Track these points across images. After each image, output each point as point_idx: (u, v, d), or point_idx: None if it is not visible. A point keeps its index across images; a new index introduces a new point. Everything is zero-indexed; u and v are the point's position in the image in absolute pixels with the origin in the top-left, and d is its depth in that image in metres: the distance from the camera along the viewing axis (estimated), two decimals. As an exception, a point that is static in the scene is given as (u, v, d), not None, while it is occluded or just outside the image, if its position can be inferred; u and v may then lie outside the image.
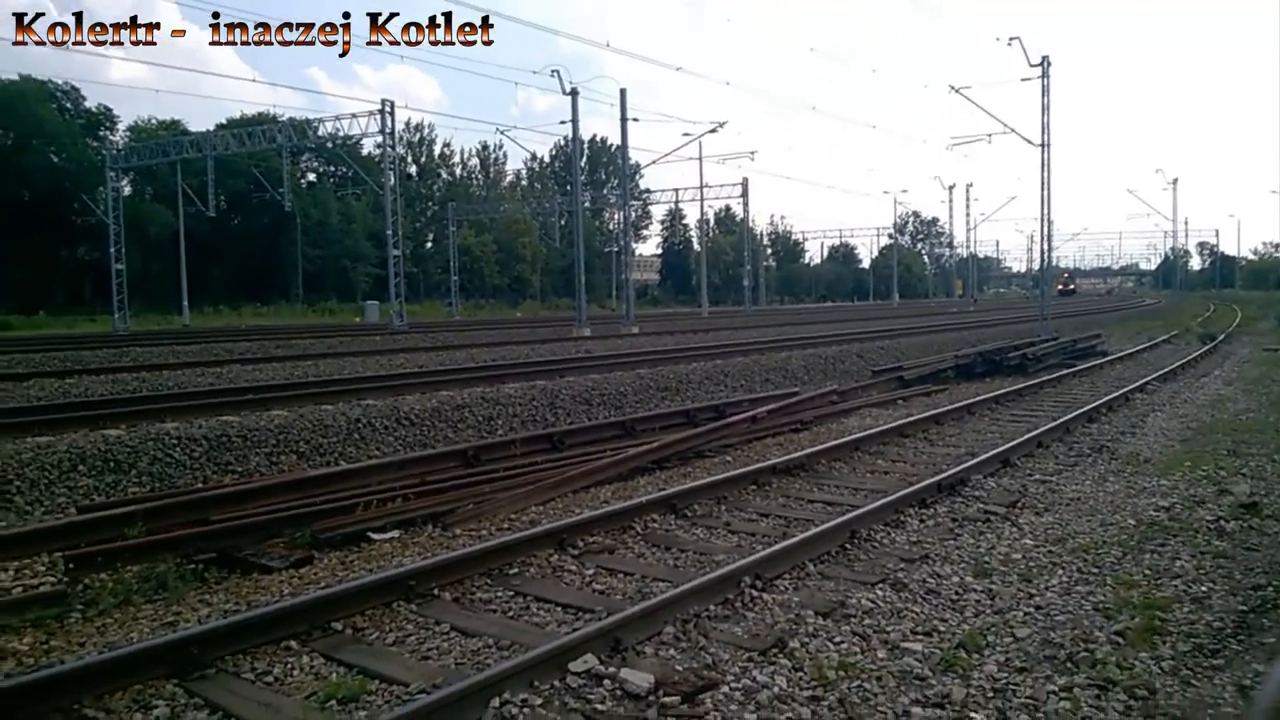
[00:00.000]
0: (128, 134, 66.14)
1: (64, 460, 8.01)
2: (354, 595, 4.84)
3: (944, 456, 9.28)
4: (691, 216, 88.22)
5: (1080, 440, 10.16)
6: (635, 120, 33.15)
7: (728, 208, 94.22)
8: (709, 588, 4.91)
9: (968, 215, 66.33)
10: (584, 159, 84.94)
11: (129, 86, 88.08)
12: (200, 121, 72.86)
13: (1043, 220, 29.95)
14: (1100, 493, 7.70)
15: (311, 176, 79.73)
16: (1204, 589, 5.22)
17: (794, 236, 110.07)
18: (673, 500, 7.02)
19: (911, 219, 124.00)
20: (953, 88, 28.87)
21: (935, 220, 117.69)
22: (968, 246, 71.78)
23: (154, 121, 66.40)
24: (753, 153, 59.14)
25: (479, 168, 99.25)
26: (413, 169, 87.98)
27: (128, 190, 54.93)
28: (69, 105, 64.83)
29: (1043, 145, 28.33)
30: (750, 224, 70.38)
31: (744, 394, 14.21)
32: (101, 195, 45.14)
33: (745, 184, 57.22)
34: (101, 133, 65.35)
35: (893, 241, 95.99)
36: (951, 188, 64.01)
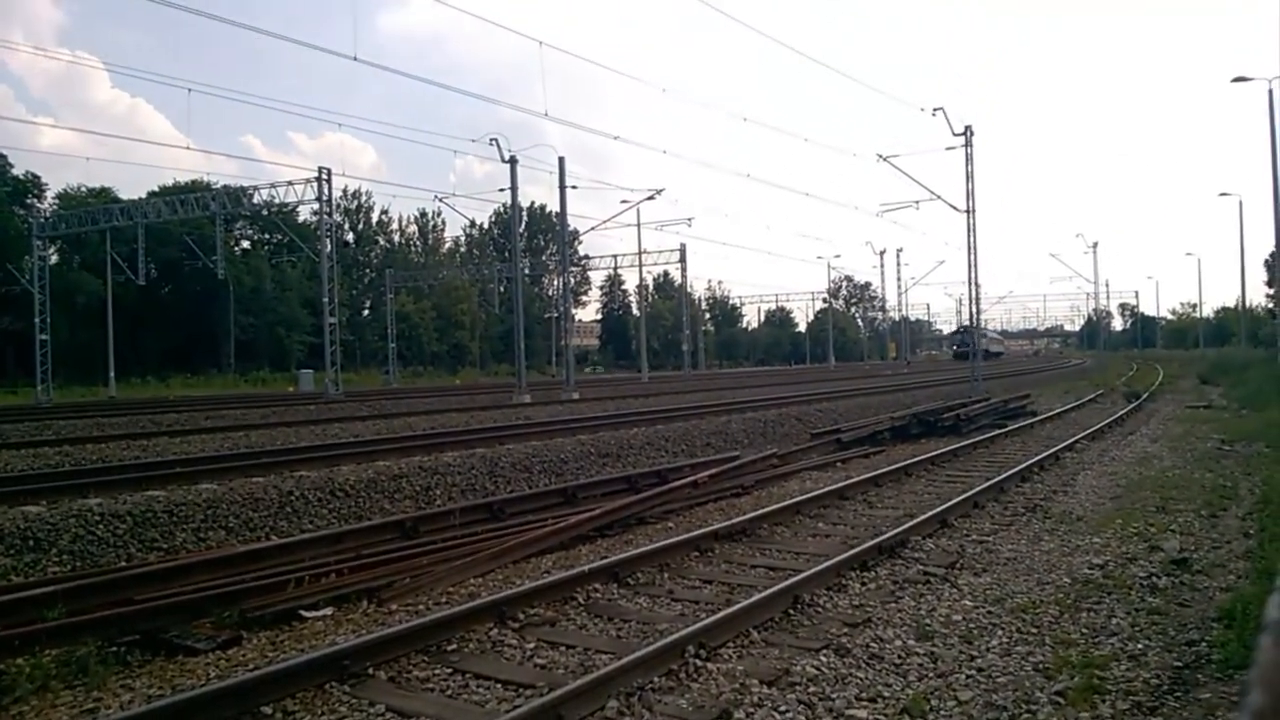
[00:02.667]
0: (56, 202, 64.85)
1: (-22, 540, 7.66)
2: (284, 677, 4.66)
3: (883, 518, 9.35)
4: (630, 282, 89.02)
5: (1014, 500, 10.33)
6: (574, 187, 33.45)
7: (666, 273, 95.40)
8: (653, 658, 4.84)
9: (899, 279, 68.04)
10: (523, 225, 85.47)
11: (59, 154, 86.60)
12: (132, 189, 71.59)
13: (970, 283, 30.89)
14: (1036, 552, 7.81)
15: (246, 244, 78.80)
16: (1140, 646, 5.30)
17: (731, 301, 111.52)
18: (615, 569, 6.94)
19: (845, 283, 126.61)
20: (881, 156, 29.81)
21: (868, 284, 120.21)
22: (900, 310, 73.66)
23: (84, 189, 65.17)
24: (690, 219, 60.45)
25: (417, 234, 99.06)
26: (350, 236, 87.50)
27: (55, 259, 53.65)
28: (-6, 174, 63.44)
29: (968, 211, 29.30)
30: (688, 289, 71.36)
31: (685, 459, 14.22)
32: (27, 264, 43.98)
33: (683, 250, 58.07)
34: (29, 200, 63.99)
35: (827, 305, 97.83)
36: (883, 253, 65.71)
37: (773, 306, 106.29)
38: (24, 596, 6.29)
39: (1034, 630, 5.64)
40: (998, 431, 17.73)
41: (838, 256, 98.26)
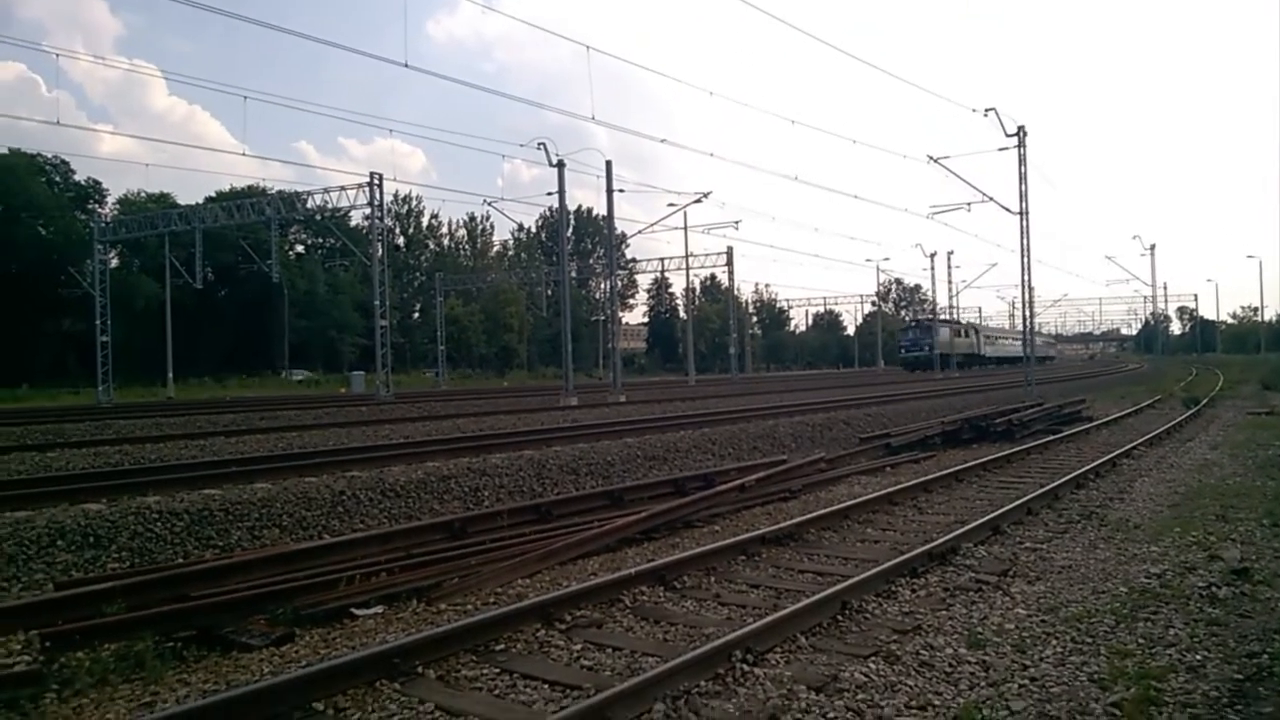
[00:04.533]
0: (117, 207, 66.72)
1: (43, 535, 7.88)
2: (336, 674, 4.72)
3: (934, 524, 9.23)
4: (677, 285, 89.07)
5: (1069, 507, 10.13)
6: (621, 191, 33.58)
7: (713, 276, 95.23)
8: (699, 663, 4.82)
9: (950, 282, 66.87)
10: (571, 229, 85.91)
11: (119, 160, 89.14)
12: (189, 194, 73.71)
13: (1024, 286, 30.36)
14: (1091, 560, 7.65)
15: (300, 248, 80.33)
16: (1199, 657, 5.16)
17: (779, 304, 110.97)
18: (662, 572, 6.93)
19: (894, 286, 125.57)
20: (931, 158, 29.49)
21: (918, 287, 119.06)
22: (951, 313, 72.46)
23: (143, 194, 66.98)
24: (737, 222, 59.98)
25: (466, 238, 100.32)
26: (401, 240, 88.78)
27: (115, 263, 55.15)
28: (58, 179, 65.45)
29: (1021, 213, 28.85)
30: (736, 292, 71.05)
31: (732, 462, 14.17)
32: (89, 268, 45.22)
33: (730, 253, 57.89)
34: (90, 206, 65.85)
35: (876, 309, 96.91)
36: (933, 255, 64.58)
37: (820, 309, 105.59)
38: (84, 592, 6.45)
39: (1089, 640, 5.52)
40: (1052, 437, 17.41)
41: (887, 259, 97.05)
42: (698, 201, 41.45)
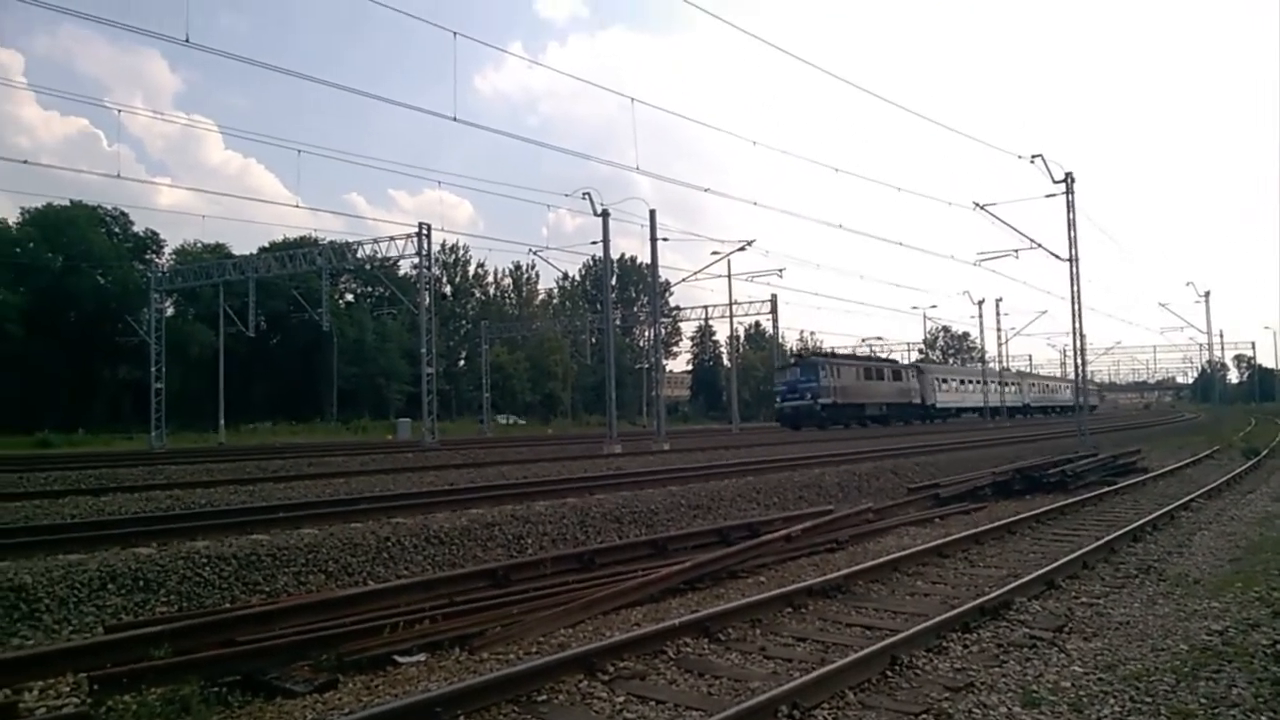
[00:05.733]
0: (173, 257, 68.65)
1: (94, 578, 7.98)
2: (376, 723, 4.69)
3: (985, 578, 9.01)
4: (721, 333, 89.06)
5: (1126, 560, 9.84)
6: (665, 239, 33.77)
7: (757, 324, 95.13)
8: (744, 718, 4.72)
9: (998, 330, 65.99)
10: (615, 277, 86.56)
11: (176, 212, 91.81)
12: (244, 245, 75.64)
13: (1075, 334, 29.85)
14: (1150, 616, 7.40)
15: (350, 296, 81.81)
16: (1264, 719, 4.94)
17: (825, 352, 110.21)
18: (706, 623, 6.83)
19: (942, 334, 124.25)
20: (977, 204, 29.23)
21: (966, 335, 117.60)
22: (999, 361, 71.30)
23: (199, 245, 68.86)
24: (781, 270, 59.97)
25: (512, 287, 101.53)
26: (448, 288, 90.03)
27: (171, 311, 56.62)
28: (118, 230, 67.62)
29: (1071, 260, 28.50)
30: (780, 340, 70.75)
31: (777, 512, 14.01)
32: (145, 316, 46.43)
33: (774, 300, 57.74)
34: (148, 256, 67.85)
35: (923, 356, 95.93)
36: (981, 303, 63.79)
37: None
38: (133, 635, 6.51)
39: (1148, 700, 5.31)
40: (1107, 489, 16.98)
41: (934, 306, 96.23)
42: (741, 250, 41.51)
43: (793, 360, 54.24)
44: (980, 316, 63.98)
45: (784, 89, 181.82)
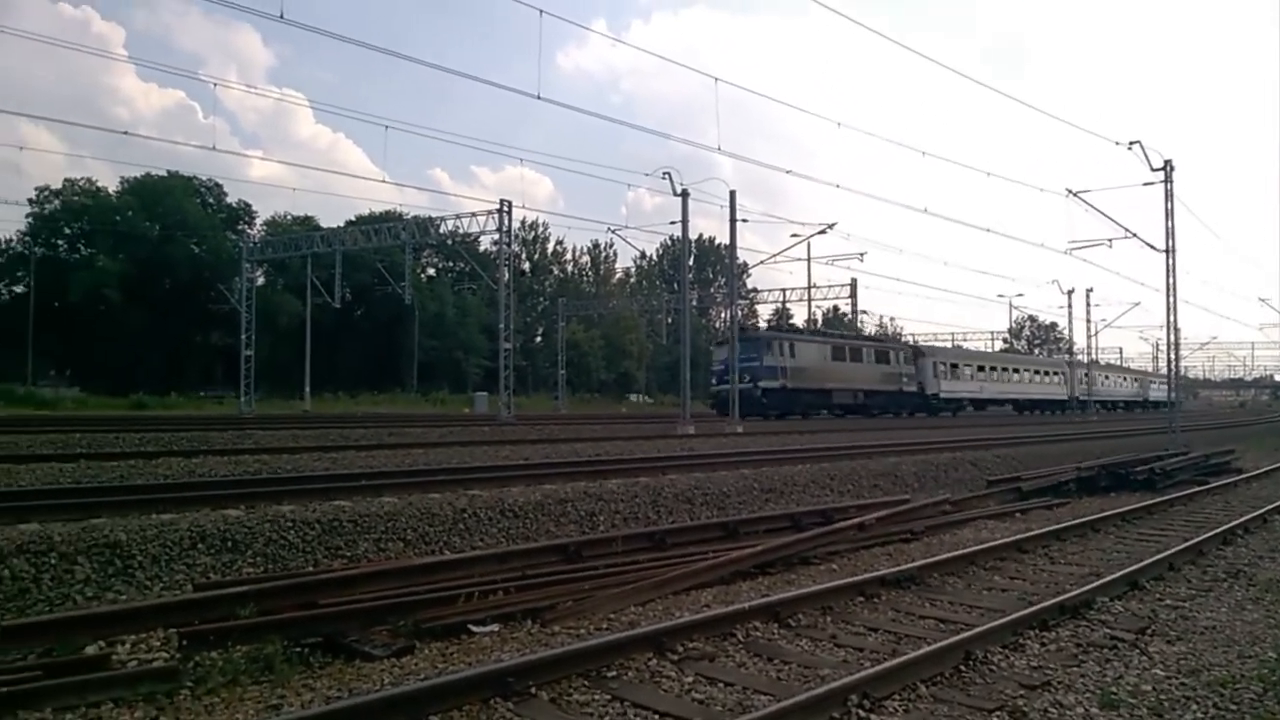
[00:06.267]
0: (264, 228, 70.74)
1: (185, 538, 8.29)
2: (452, 689, 4.80)
3: (1066, 575, 8.79)
4: (799, 316, 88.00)
5: (1214, 564, 9.50)
6: (744, 221, 33.56)
7: (836, 308, 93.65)
8: (813, 705, 4.70)
9: (1088, 321, 63.86)
10: (692, 258, 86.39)
11: (267, 184, 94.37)
12: (331, 218, 77.34)
13: (1169, 328, 28.85)
14: (1238, 621, 7.14)
15: (431, 271, 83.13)
16: (1364, 738, 4.73)
17: (904, 339, 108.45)
18: (776, 608, 6.81)
19: (1028, 324, 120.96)
20: (1070, 191, 28.28)
21: (1054, 325, 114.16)
22: (1088, 353, 69.01)
23: (289, 217, 70.76)
24: (862, 254, 58.71)
25: (589, 265, 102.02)
26: (526, 265, 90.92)
27: (261, 280, 58.30)
28: (212, 201, 69.90)
29: (1167, 251, 27.45)
30: (859, 325, 69.71)
31: (851, 499, 13.86)
32: (236, 285, 47.96)
33: (854, 285, 56.89)
34: (240, 226, 70.05)
35: (1008, 346, 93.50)
36: (1070, 292, 61.74)
37: (948, 346, 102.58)
38: (221, 594, 6.77)
39: (1233, 707, 5.14)
40: (1197, 489, 16.38)
41: (1020, 295, 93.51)
42: (822, 233, 40.91)
43: (748, 336, 41.43)
44: (1069, 307, 62.02)
45: (871, 69, 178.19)
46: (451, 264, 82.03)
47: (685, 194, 29.98)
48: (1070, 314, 62.81)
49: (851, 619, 6.99)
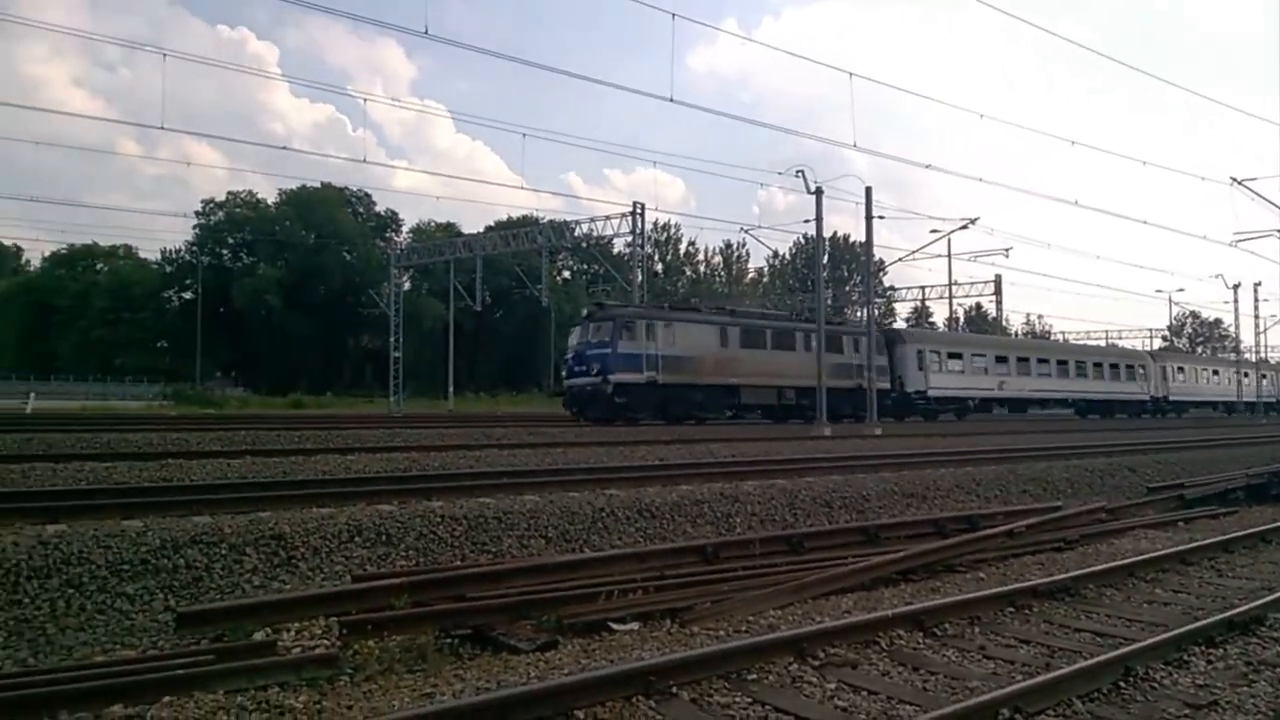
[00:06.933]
0: (410, 235, 73.70)
1: (342, 531, 8.75)
2: (596, 685, 4.90)
3: (1235, 589, 8.24)
4: (939, 314, 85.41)
5: None
6: (880, 217, 32.77)
7: (979, 306, 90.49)
8: (962, 718, 4.58)
9: (1256, 317, 59.54)
10: (826, 256, 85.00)
11: (412, 193, 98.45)
12: (471, 223, 79.98)
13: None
14: None
15: (566, 274, 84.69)
16: None
17: (1053, 337, 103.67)
18: (920, 616, 6.65)
19: (1189, 320, 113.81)
20: (1235, 180, 26.37)
21: (1218, 322, 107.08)
22: (1257, 351, 64.20)
23: (432, 223, 73.51)
24: (1007, 249, 56.42)
25: (721, 265, 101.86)
26: (659, 266, 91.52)
27: (407, 286, 60.81)
28: (361, 209, 73.36)
29: (1352, 242, 25.19)
30: (1004, 323, 67.12)
31: (998, 505, 13.38)
32: (385, 290, 50.18)
33: (998, 281, 54.96)
34: (388, 234, 73.23)
35: (1168, 344, 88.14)
36: (1236, 286, 57.74)
37: (1101, 344, 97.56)
38: (377, 586, 7.10)
39: None
40: (1388, 499, 15.05)
41: (1181, 290, 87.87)
42: (963, 228, 39.69)
43: (587, 317, 33.06)
44: (1235, 302, 57.97)
45: (1015, 57, 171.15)
46: (586, 266, 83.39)
47: (819, 191, 29.62)
48: (1236, 310, 58.71)
49: (1001, 630, 6.76)
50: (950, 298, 56.50)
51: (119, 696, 4.79)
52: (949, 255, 49.46)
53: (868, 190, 30.95)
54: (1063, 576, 8.14)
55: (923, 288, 60.48)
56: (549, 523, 9.90)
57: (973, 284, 57.73)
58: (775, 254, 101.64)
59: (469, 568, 8.09)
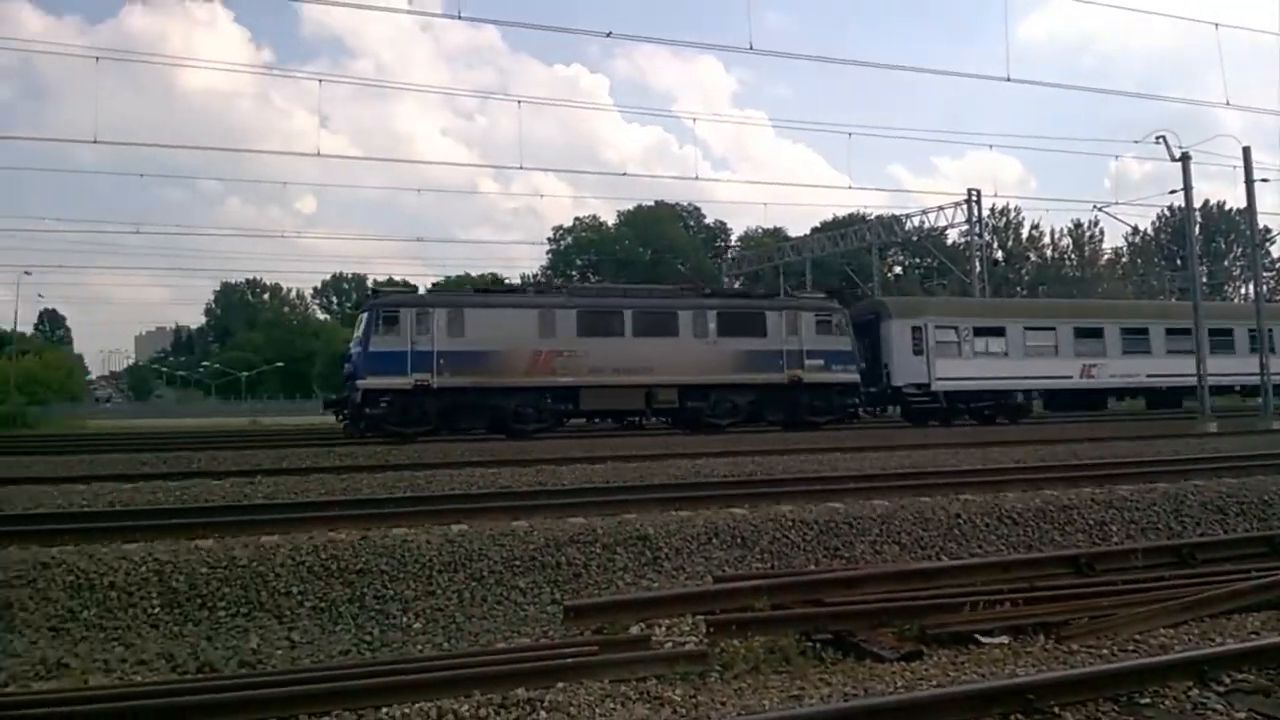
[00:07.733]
0: (738, 243, 75.55)
1: (700, 533, 9.18)
2: (966, 700, 4.76)
3: None
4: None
5: None
6: (1263, 181, 28.45)
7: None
8: None
9: None
10: (1197, 228, 75.43)
11: (738, 202, 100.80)
12: (798, 227, 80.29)
13: None
14: None
15: (898, 269, 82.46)
16: None
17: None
18: (1355, 642, 5.75)
19: None
20: None
21: None
22: None
23: (759, 230, 74.82)
24: None
25: (1071, 247, 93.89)
26: (999, 254, 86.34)
27: (738, 292, 62.19)
28: (692, 223, 76.43)
29: None
30: None
31: None
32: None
33: None
34: (718, 244, 75.62)
35: None
36: None
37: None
38: (737, 587, 7.38)
39: None
40: None
41: None
42: (1379, 182, 33.36)
43: (372, 295, 27.51)
44: None
45: None
46: (918, 260, 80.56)
47: (1186, 157, 26.58)
48: None
49: None
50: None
51: (523, 680, 5.37)
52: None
53: (1246, 150, 27.31)
54: None
55: (1327, 256, 51.67)
56: (901, 529, 9.72)
57: (1396, 247, 48.36)
58: (1134, 229, 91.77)
59: (825, 572, 8.16)
